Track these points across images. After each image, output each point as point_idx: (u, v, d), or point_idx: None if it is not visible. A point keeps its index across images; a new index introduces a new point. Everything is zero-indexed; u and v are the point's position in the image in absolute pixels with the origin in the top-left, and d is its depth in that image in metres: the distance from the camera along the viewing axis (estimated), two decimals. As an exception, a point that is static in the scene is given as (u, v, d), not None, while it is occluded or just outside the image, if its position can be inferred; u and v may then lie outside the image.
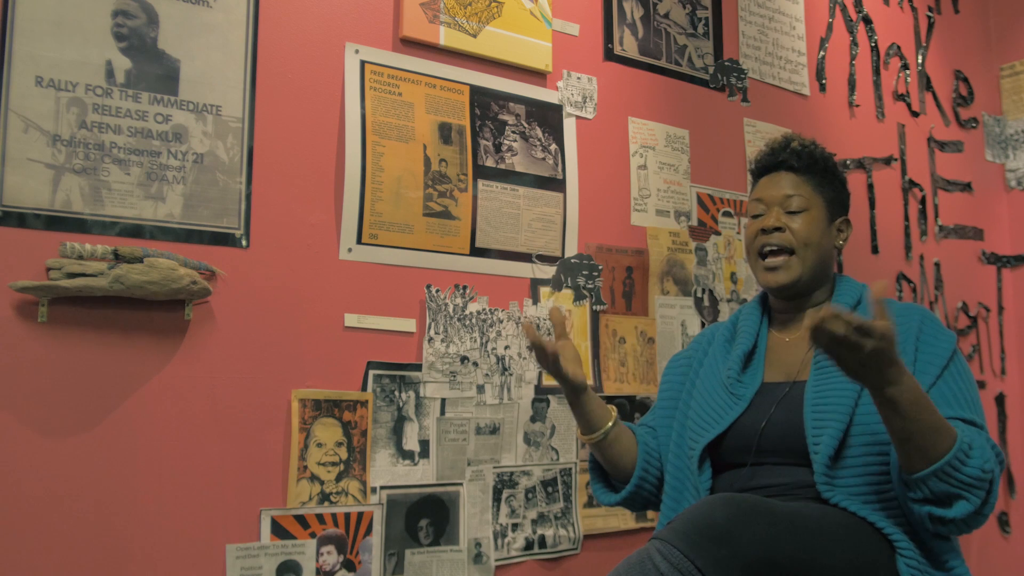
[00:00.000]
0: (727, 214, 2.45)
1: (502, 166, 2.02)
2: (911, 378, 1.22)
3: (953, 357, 1.39)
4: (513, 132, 2.05)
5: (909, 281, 2.97)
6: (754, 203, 1.55)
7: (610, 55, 2.27)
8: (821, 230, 1.51)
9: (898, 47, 3.07)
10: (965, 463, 1.22)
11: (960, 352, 1.42)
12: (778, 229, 1.50)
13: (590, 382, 2.08)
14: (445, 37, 1.95)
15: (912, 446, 1.23)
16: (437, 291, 1.89)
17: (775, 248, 1.50)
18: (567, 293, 2.09)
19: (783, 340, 1.55)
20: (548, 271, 2.08)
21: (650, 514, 2.17)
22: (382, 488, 1.78)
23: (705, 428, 1.48)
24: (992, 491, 1.25)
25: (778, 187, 1.53)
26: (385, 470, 1.79)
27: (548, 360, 1.43)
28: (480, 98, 2.01)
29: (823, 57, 2.81)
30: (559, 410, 2.05)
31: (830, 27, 2.85)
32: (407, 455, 1.83)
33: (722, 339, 1.60)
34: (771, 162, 1.56)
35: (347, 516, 1.73)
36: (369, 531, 1.75)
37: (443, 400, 1.88)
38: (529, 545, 1.97)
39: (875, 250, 2.89)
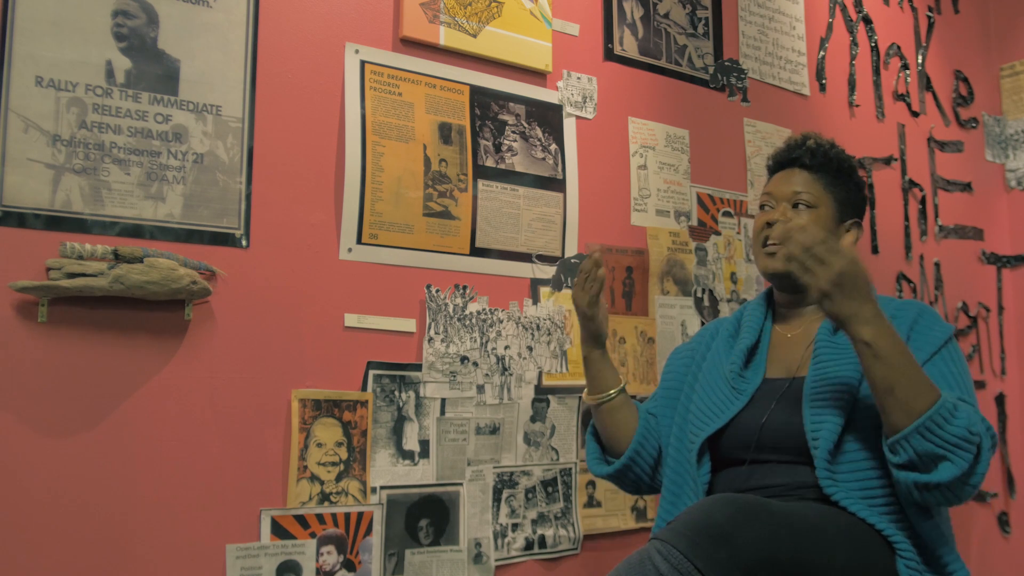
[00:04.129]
0: (727, 214, 2.45)
1: (502, 166, 2.02)
2: (891, 327, 1.26)
3: (947, 344, 1.39)
4: (513, 132, 2.05)
5: (909, 281, 2.97)
6: (764, 196, 1.57)
7: (610, 55, 2.27)
8: (826, 229, 1.50)
9: (898, 47, 3.07)
10: (949, 421, 1.21)
11: (956, 343, 1.42)
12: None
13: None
14: (445, 37, 1.95)
15: (895, 400, 1.23)
16: (437, 291, 1.89)
17: (776, 242, 1.51)
18: (567, 293, 2.09)
19: (785, 336, 1.55)
20: (548, 271, 2.08)
21: (650, 514, 2.17)
22: (382, 488, 1.79)
23: (706, 422, 1.48)
24: (980, 458, 1.24)
25: (788, 183, 1.54)
26: (385, 470, 1.79)
27: (592, 287, 1.56)
28: (480, 98, 2.01)
29: (823, 57, 2.81)
30: (559, 410, 2.05)
31: (830, 27, 2.85)
32: (407, 455, 1.83)
33: (726, 334, 1.61)
34: (786, 158, 1.58)
35: (347, 516, 1.73)
36: (369, 531, 1.75)
37: (443, 400, 1.88)
38: (529, 545, 1.97)
39: (875, 250, 2.89)
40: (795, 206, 1.52)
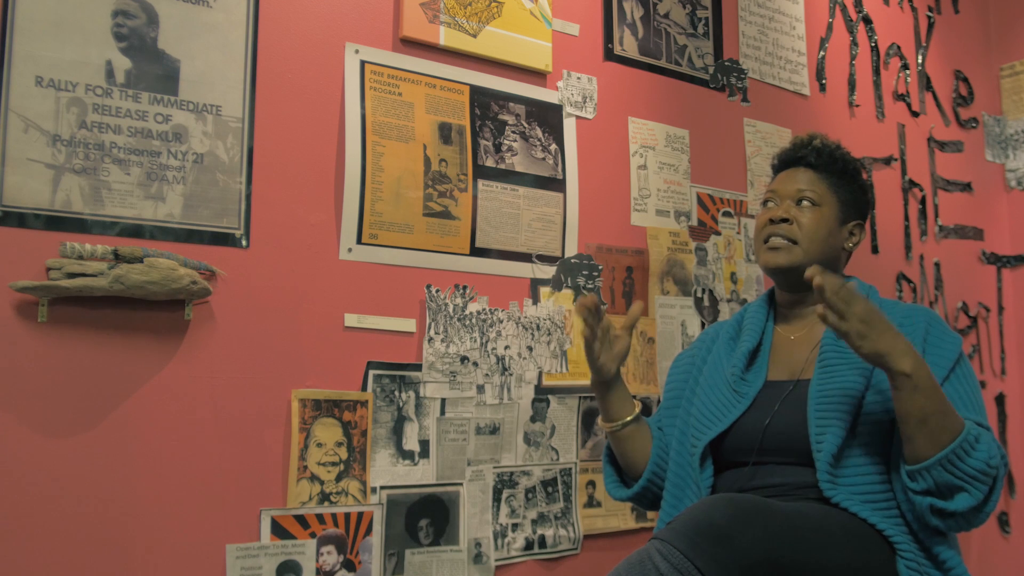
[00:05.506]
0: (727, 214, 2.45)
1: (502, 166, 2.02)
2: (923, 360, 1.26)
3: (959, 360, 1.40)
4: (513, 132, 2.05)
5: (909, 281, 2.97)
6: (768, 193, 1.57)
7: (610, 55, 2.27)
8: (829, 228, 1.51)
9: (898, 47, 3.07)
10: (970, 454, 1.24)
11: (965, 355, 1.43)
12: (785, 220, 1.51)
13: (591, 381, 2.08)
14: (445, 37, 1.95)
15: (926, 429, 1.24)
16: (437, 291, 1.89)
17: (780, 237, 1.51)
18: (567, 293, 2.09)
19: (788, 338, 1.55)
20: (548, 271, 2.08)
21: (650, 514, 2.17)
22: (382, 488, 1.78)
23: (708, 426, 1.48)
24: (995, 488, 1.26)
25: (793, 181, 1.54)
26: (385, 470, 1.79)
27: (596, 345, 1.50)
28: (480, 98, 2.01)
29: (823, 57, 2.80)
30: (559, 410, 2.05)
31: (830, 27, 2.85)
32: (407, 455, 1.83)
33: (727, 336, 1.60)
34: (791, 157, 1.58)
35: (347, 516, 1.73)
36: (369, 531, 1.75)
37: (443, 400, 1.88)
38: (529, 545, 1.97)
39: (875, 250, 2.89)
40: (799, 203, 1.52)
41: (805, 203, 1.51)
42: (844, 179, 1.55)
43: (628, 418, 1.58)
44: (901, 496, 1.32)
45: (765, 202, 1.57)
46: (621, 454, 1.62)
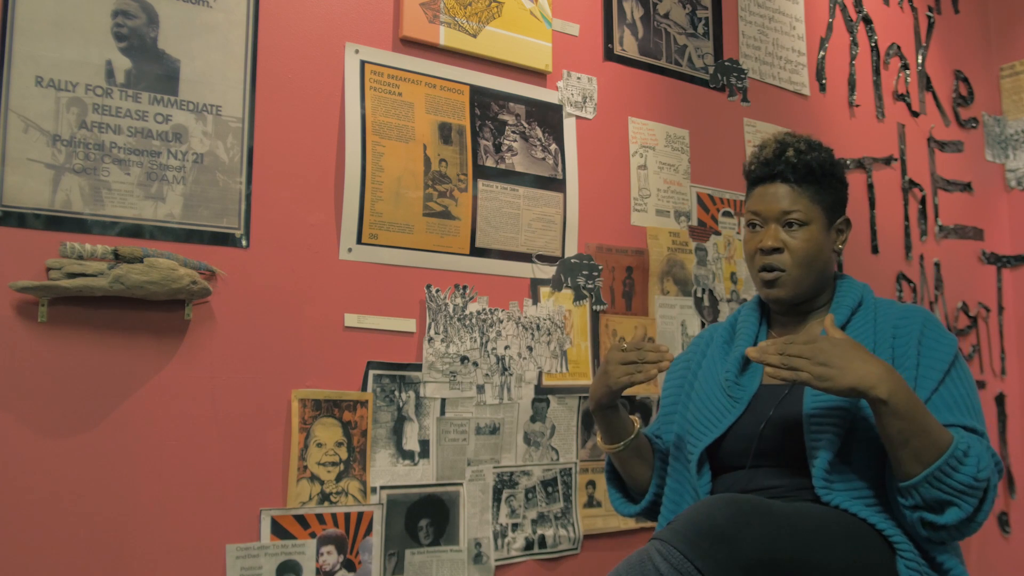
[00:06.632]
0: (727, 214, 2.45)
1: (502, 166, 2.02)
2: (902, 379, 1.25)
3: (955, 362, 1.38)
4: (513, 132, 2.05)
5: (909, 281, 2.97)
6: (751, 215, 1.52)
7: (610, 55, 2.27)
8: (820, 243, 1.47)
9: (898, 47, 3.07)
10: (958, 469, 1.22)
11: (961, 356, 1.41)
12: (777, 250, 1.46)
13: (591, 381, 2.08)
14: (445, 37, 1.95)
15: (909, 450, 1.23)
16: (437, 291, 1.89)
17: (775, 270, 1.47)
18: (567, 293, 2.09)
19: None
20: (548, 271, 2.08)
21: (650, 514, 2.17)
22: (382, 488, 1.78)
23: (703, 432, 1.47)
24: (986, 499, 1.25)
25: (775, 200, 1.48)
26: (385, 470, 1.79)
27: (634, 376, 1.42)
28: (480, 98, 2.01)
29: (823, 57, 2.81)
30: (559, 410, 2.05)
31: (830, 27, 2.85)
32: (407, 455, 1.83)
33: (720, 340, 1.59)
34: (766, 173, 1.51)
35: (347, 516, 1.73)
36: (369, 531, 1.75)
37: (443, 400, 1.88)
38: (529, 545, 1.97)
39: (875, 250, 2.89)
40: (786, 224, 1.47)
41: (793, 224, 1.46)
42: (823, 183, 1.49)
43: (630, 437, 1.53)
44: (895, 505, 1.31)
45: (751, 224, 1.52)
46: (625, 471, 1.58)
